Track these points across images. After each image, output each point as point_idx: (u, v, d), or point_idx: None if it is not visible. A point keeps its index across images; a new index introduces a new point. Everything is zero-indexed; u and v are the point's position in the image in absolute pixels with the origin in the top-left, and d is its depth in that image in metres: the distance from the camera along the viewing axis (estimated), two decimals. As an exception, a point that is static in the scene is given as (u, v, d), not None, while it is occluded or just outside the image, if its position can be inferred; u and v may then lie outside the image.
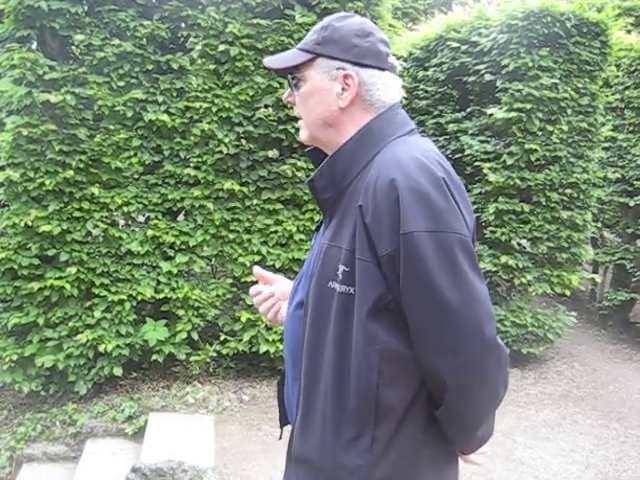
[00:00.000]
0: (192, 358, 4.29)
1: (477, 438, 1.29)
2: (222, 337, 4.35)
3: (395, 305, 1.18)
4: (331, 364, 1.24)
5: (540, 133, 4.91)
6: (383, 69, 1.32)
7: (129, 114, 4.01)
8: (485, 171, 5.00)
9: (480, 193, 5.23)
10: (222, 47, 4.11)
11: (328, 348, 1.24)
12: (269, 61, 1.38)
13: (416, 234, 1.12)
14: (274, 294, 1.60)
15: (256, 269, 1.64)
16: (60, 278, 3.88)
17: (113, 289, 4.06)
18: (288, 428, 1.56)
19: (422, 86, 5.92)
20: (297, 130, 4.71)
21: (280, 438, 1.63)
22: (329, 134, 1.34)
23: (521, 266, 5.04)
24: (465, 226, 1.17)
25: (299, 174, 4.31)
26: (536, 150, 4.88)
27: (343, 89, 1.29)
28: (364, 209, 1.18)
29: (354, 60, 1.29)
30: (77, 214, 3.93)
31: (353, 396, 1.21)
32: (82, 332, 3.92)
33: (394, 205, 1.14)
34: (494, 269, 5.05)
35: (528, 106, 4.77)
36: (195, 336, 4.24)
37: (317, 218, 4.38)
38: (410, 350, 1.19)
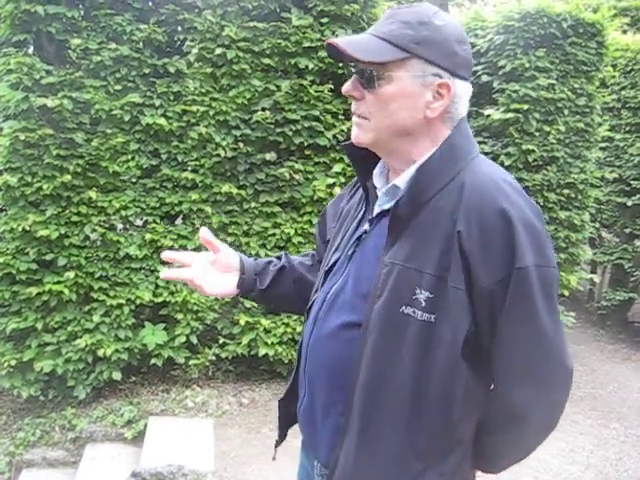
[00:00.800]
0: (191, 362, 4.28)
1: (517, 461, 1.29)
2: (221, 340, 4.34)
3: (473, 338, 1.13)
4: (404, 394, 1.16)
5: (537, 134, 4.91)
6: (468, 80, 1.22)
7: (126, 118, 4.01)
8: (483, 172, 5.00)
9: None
10: (219, 50, 4.11)
11: (400, 377, 1.16)
12: (348, 45, 1.15)
13: (529, 269, 1.08)
14: (191, 264, 1.42)
15: (203, 231, 1.42)
16: (58, 283, 3.87)
17: (111, 293, 4.05)
18: (284, 444, 1.52)
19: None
20: (294, 133, 4.71)
21: (274, 459, 1.57)
22: (402, 143, 1.21)
23: (519, 267, 5.04)
24: None
25: (297, 177, 4.31)
26: (533, 151, 4.88)
27: (434, 98, 1.17)
28: (464, 236, 1.10)
29: (452, 69, 1.17)
30: (75, 218, 3.92)
31: (429, 430, 1.16)
32: (81, 337, 3.91)
33: (507, 237, 1.08)
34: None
35: (525, 107, 4.77)
36: (194, 340, 4.23)
37: (315, 221, 4.37)
38: (482, 383, 1.17)
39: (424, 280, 1.12)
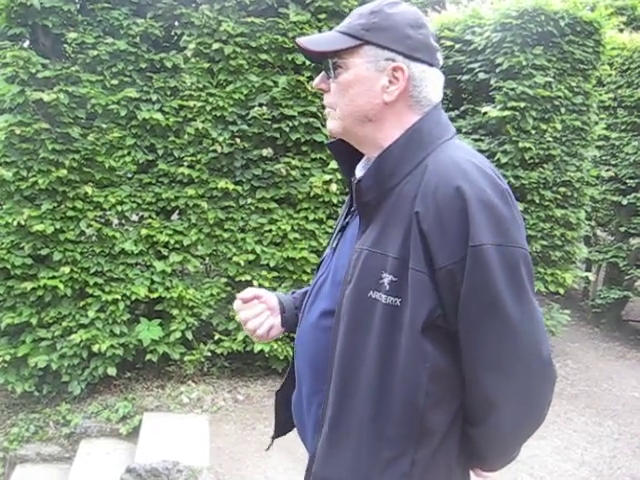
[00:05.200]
0: (186, 358, 4.27)
1: (510, 457, 1.26)
2: (216, 336, 4.34)
3: (442, 321, 1.11)
4: (371, 381, 1.16)
5: (534, 132, 4.92)
6: (432, 65, 1.23)
7: (123, 113, 3.99)
8: (479, 170, 5.01)
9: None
10: (216, 45, 4.10)
11: (367, 363, 1.16)
12: (306, 42, 1.24)
13: (485, 247, 1.05)
14: (264, 310, 1.50)
15: (239, 296, 1.49)
16: (53, 278, 3.85)
17: (107, 289, 4.04)
18: (280, 439, 1.52)
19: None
20: (291, 129, 4.70)
21: (267, 449, 1.58)
22: (367, 129, 1.24)
23: (515, 264, 5.04)
24: (525, 239, 1.13)
25: (293, 173, 4.30)
26: (530, 149, 4.89)
27: (390, 82, 1.19)
28: (422, 216, 1.10)
29: (406, 52, 1.19)
30: (70, 213, 3.91)
31: (395, 417, 1.15)
32: (76, 332, 3.90)
33: (461, 215, 1.07)
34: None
35: (522, 105, 4.77)
36: (189, 335, 4.22)
37: (312, 217, 4.37)
38: (456, 368, 1.14)
39: (388, 264, 1.13)
